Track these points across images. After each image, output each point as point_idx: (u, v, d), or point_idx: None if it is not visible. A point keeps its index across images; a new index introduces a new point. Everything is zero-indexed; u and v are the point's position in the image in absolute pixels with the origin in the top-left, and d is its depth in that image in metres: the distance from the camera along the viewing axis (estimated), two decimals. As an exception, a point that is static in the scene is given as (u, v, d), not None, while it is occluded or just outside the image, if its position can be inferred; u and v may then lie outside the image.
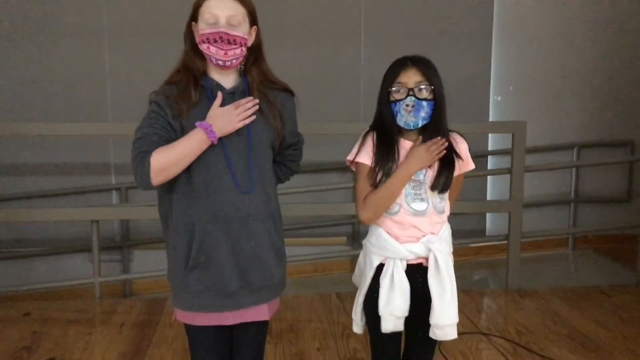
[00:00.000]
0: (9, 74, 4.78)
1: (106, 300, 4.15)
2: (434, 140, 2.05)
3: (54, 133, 4.32)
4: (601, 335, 3.47)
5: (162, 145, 1.90)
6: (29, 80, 4.80)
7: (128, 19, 4.87)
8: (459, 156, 2.13)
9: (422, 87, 2.03)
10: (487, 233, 5.55)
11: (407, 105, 2.02)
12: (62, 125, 4.18)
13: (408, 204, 2.08)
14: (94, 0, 4.82)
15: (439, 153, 2.06)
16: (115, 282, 4.88)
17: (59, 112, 4.79)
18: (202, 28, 1.94)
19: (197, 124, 1.90)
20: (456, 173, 2.13)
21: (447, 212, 2.16)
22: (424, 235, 2.09)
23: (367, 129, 2.16)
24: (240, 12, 1.95)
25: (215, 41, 1.92)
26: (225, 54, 1.93)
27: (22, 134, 4.33)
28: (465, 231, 5.25)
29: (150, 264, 4.69)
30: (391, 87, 2.05)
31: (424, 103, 2.03)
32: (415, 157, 2.05)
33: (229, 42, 1.92)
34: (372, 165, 2.08)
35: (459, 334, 2.11)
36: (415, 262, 2.10)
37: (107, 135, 4.83)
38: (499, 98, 5.54)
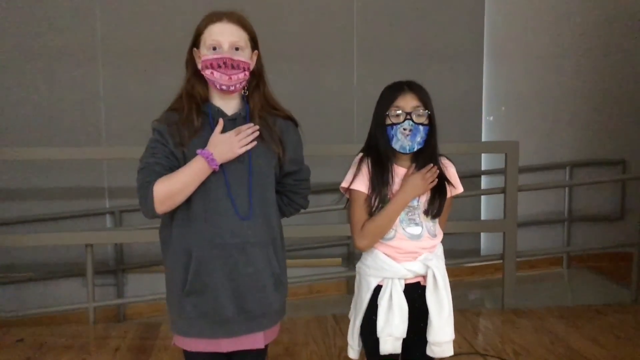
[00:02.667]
0: (2, 98, 4.78)
1: (100, 325, 4.12)
2: (428, 167, 2.08)
3: (47, 157, 4.32)
4: (597, 354, 3.46)
5: (164, 174, 1.92)
6: (23, 103, 4.80)
7: (122, 42, 4.89)
8: (449, 181, 2.16)
9: (419, 112, 2.05)
10: (482, 253, 5.55)
11: (404, 129, 2.04)
12: (55, 149, 4.19)
13: (403, 229, 2.10)
14: (88, 23, 4.84)
15: (433, 181, 2.08)
16: (110, 307, 4.84)
17: (52, 135, 4.79)
18: (205, 54, 1.95)
19: (198, 152, 1.91)
20: (447, 197, 2.15)
21: (440, 236, 2.19)
22: (420, 254, 2.10)
23: (360, 154, 2.17)
24: (242, 37, 1.98)
25: (219, 66, 1.93)
26: (229, 78, 1.95)
27: (14, 158, 4.33)
28: (460, 251, 5.26)
29: (144, 288, 4.66)
30: (388, 110, 2.07)
31: (421, 127, 2.06)
32: (411, 185, 2.07)
33: (233, 67, 1.94)
34: (368, 193, 2.09)
35: (456, 354, 2.11)
36: (413, 281, 2.11)
37: (101, 159, 4.83)
38: (491, 118, 5.57)
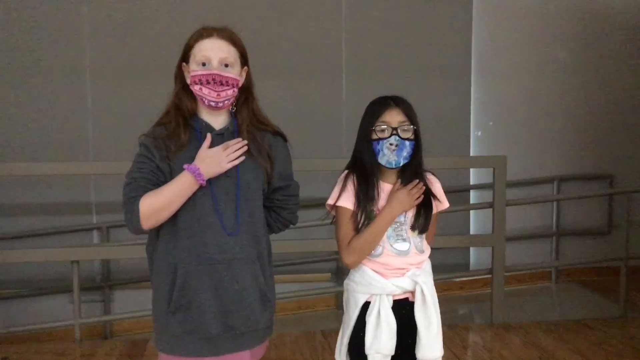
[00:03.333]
0: (-12, 114, 4.76)
1: (87, 342, 4.07)
2: (414, 183, 2.08)
3: (34, 173, 4.29)
4: (587, 369, 3.46)
5: (150, 189, 1.90)
6: (9, 118, 4.77)
7: (110, 57, 4.88)
8: (435, 196, 2.16)
9: (405, 127, 2.06)
10: (471, 267, 5.55)
11: (390, 144, 2.05)
12: (42, 164, 4.15)
13: (391, 245, 2.10)
14: (76, 38, 4.83)
15: (419, 197, 2.08)
16: (96, 324, 4.79)
17: (39, 150, 4.75)
18: (194, 69, 1.94)
19: (185, 166, 1.89)
20: (433, 212, 2.16)
21: (427, 251, 2.19)
22: (408, 270, 2.10)
23: (346, 171, 2.17)
24: (232, 53, 1.97)
25: (208, 82, 1.92)
26: (218, 95, 1.94)
27: (2, 173, 4.29)
28: (449, 265, 5.25)
29: (131, 305, 4.61)
30: (374, 125, 2.07)
31: (407, 143, 2.06)
32: (398, 201, 2.07)
33: (222, 84, 1.93)
34: (354, 209, 2.09)
35: (445, 370, 2.10)
36: (401, 297, 2.10)
37: (89, 174, 4.80)
38: (480, 133, 5.60)
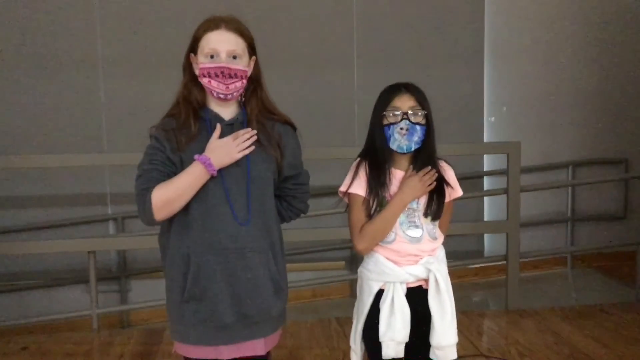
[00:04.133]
0: (2, 105, 4.79)
1: (104, 331, 4.12)
2: (425, 170, 2.08)
3: (49, 165, 4.32)
4: (602, 354, 3.45)
5: (162, 180, 1.91)
6: (24, 112, 4.80)
7: (123, 50, 4.89)
8: (448, 184, 2.16)
9: (416, 112, 2.06)
10: (486, 254, 5.53)
11: (401, 129, 2.05)
12: (57, 156, 4.18)
13: (403, 232, 2.11)
14: (88, 32, 4.84)
15: (431, 183, 2.08)
16: (113, 313, 4.84)
17: (54, 143, 4.78)
18: (203, 62, 1.95)
19: (196, 157, 1.90)
20: (446, 200, 2.16)
21: (441, 239, 2.19)
22: (422, 257, 2.10)
23: (358, 158, 2.17)
24: (240, 45, 1.97)
25: (217, 75, 1.93)
26: (227, 87, 1.94)
27: (17, 166, 4.34)
28: (463, 252, 5.24)
29: (148, 294, 4.65)
30: (385, 110, 2.08)
31: (418, 127, 2.06)
32: (410, 187, 2.08)
33: (230, 76, 1.93)
34: (366, 196, 2.09)
35: (460, 356, 2.11)
36: (414, 284, 2.11)
37: (103, 166, 4.83)
38: (493, 119, 5.56)
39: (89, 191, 4.94)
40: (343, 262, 5.30)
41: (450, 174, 2.21)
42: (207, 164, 1.89)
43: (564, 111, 5.66)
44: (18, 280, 4.88)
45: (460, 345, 2.09)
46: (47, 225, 4.86)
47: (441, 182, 2.15)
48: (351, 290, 5.17)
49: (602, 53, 5.64)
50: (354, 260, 5.17)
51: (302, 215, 2.22)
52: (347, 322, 3.98)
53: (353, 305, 2.26)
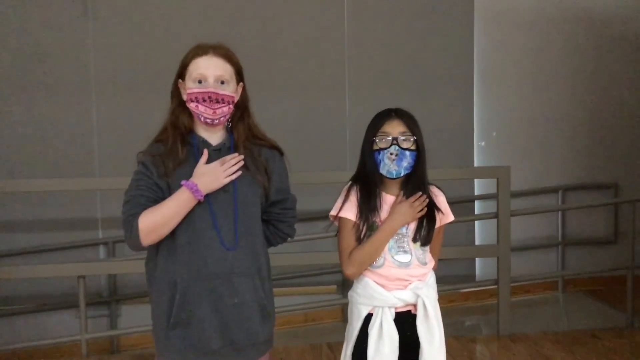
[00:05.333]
0: (-6, 130, 4.79)
1: (93, 357, 4.08)
2: (416, 195, 2.10)
3: (40, 189, 4.31)
4: (594, 379, 3.44)
5: (149, 206, 1.92)
6: (15, 135, 4.80)
7: (115, 73, 4.91)
8: (439, 209, 2.17)
9: (406, 137, 2.08)
10: (477, 278, 5.53)
11: (390, 154, 2.07)
12: (48, 181, 4.18)
13: (392, 257, 2.11)
14: (81, 55, 4.87)
15: (422, 209, 2.10)
16: (103, 338, 4.79)
17: (45, 167, 4.78)
18: (190, 87, 1.97)
19: (183, 183, 1.91)
20: (437, 225, 2.17)
21: (431, 264, 2.19)
22: (411, 282, 2.11)
23: (349, 182, 2.19)
24: (228, 71, 1.99)
25: (204, 100, 1.95)
26: (214, 112, 1.96)
27: (8, 190, 4.32)
28: (454, 276, 5.24)
29: (138, 319, 4.61)
30: (375, 136, 2.10)
31: (407, 153, 2.08)
32: (400, 213, 2.09)
33: (217, 101, 1.95)
34: (356, 220, 2.10)
35: (451, 382, 2.10)
36: (403, 309, 2.11)
37: (94, 190, 4.82)
38: (483, 143, 5.60)
39: (80, 215, 4.93)
40: (335, 286, 5.28)
41: (441, 199, 2.22)
42: (194, 190, 1.90)
43: (554, 136, 5.70)
44: (7, 305, 4.83)
45: (451, 371, 2.09)
46: (37, 250, 4.84)
47: (432, 207, 2.16)
48: (343, 315, 5.15)
49: (592, 78, 5.70)
50: (346, 285, 5.15)
51: (288, 239, 2.22)
52: (338, 348, 3.94)
53: (344, 330, 2.25)
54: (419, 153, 2.12)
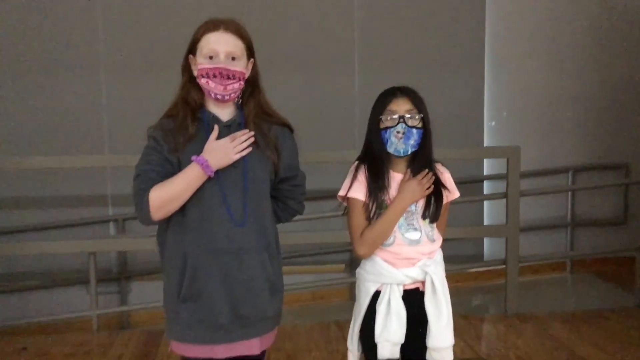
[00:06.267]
0: (5, 107, 4.80)
1: (104, 332, 4.12)
2: (423, 173, 2.10)
3: (51, 166, 4.34)
4: (600, 359, 3.45)
5: (160, 181, 1.92)
6: (25, 114, 4.82)
7: (125, 52, 4.91)
8: (444, 186, 2.17)
9: (412, 115, 2.07)
10: (485, 258, 5.54)
11: (397, 132, 2.07)
12: (59, 158, 4.20)
13: (402, 234, 2.12)
14: (90, 33, 4.86)
15: (429, 186, 2.10)
16: (113, 314, 4.84)
17: (55, 144, 4.80)
18: (201, 62, 1.96)
19: (193, 158, 1.91)
20: (443, 202, 2.17)
21: (439, 241, 2.20)
22: (419, 260, 2.11)
23: (356, 162, 2.19)
24: (239, 46, 1.98)
25: (215, 76, 1.94)
26: (225, 88, 1.96)
27: (19, 167, 4.34)
28: (463, 256, 5.25)
29: (148, 296, 4.66)
30: (382, 114, 2.09)
31: (414, 131, 2.08)
32: (409, 191, 2.09)
33: (228, 77, 1.95)
34: (366, 200, 2.10)
35: (458, 360, 2.11)
36: (411, 287, 2.12)
37: (104, 167, 4.84)
38: (493, 123, 5.57)
39: (90, 192, 4.96)
40: (343, 265, 5.30)
41: (446, 176, 2.22)
42: (205, 166, 1.90)
43: (564, 116, 5.67)
44: (19, 281, 4.89)
45: (459, 349, 2.11)
46: (48, 226, 4.88)
47: (438, 184, 2.16)
48: (351, 293, 5.17)
49: (603, 58, 5.65)
50: (354, 263, 5.16)
51: (297, 215, 2.23)
52: (346, 326, 3.95)
53: (352, 309, 2.27)
54: (426, 130, 2.11)
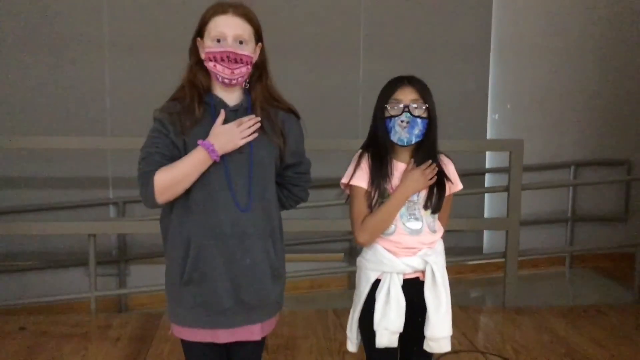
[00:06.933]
0: (7, 87, 4.79)
1: (102, 314, 4.13)
2: (427, 164, 2.09)
3: (52, 146, 4.33)
4: (598, 354, 3.46)
5: (165, 164, 1.92)
6: (27, 93, 4.81)
7: (128, 33, 4.89)
8: (448, 178, 2.17)
9: (418, 104, 2.07)
10: (484, 250, 5.54)
11: (402, 122, 2.06)
12: (60, 138, 4.19)
13: (403, 224, 2.12)
14: (94, 15, 4.84)
15: (432, 177, 2.09)
16: (112, 297, 4.86)
17: (57, 125, 4.79)
18: (209, 45, 1.95)
19: (199, 142, 1.91)
20: (446, 194, 2.17)
21: (440, 232, 2.20)
22: (420, 249, 2.11)
23: (360, 150, 2.18)
24: (247, 30, 1.97)
25: (222, 60, 1.93)
26: (232, 72, 1.95)
27: (20, 147, 4.34)
28: (462, 248, 5.25)
29: (146, 279, 4.67)
30: (387, 103, 2.09)
31: (419, 120, 2.07)
32: (411, 180, 2.09)
33: (236, 61, 1.94)
34: (368, 188, 2.10)
35: (455, 351, 2.12)
36: (411, 276, 2.13)
37: (106, 149, 4.83)
38: (497, 116, 5.56)
39: (91, 174, 4.95)
40: (342, 254, 5.31)
41: (450, 168, 2.22)
42: (210, 150, 1.90)
43: (568, 111, 5.65)
44: (18, 261, 4.89)
45: (456, 340, 2.11)
46: (49, 207, 4.87)
47: (441, 176, 2.15)
48: (349, 282, 5.19)
49: (609, 53, 5.62)
50: (353, 252, 5.18)
51: (301, 203, 2.23)
52: (344, 314, 3.97)
53: (351, 297, 2.27)
54: (431, 121, 2.10)
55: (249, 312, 2.01)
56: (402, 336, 2.11)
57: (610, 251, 5.50)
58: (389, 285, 2.09)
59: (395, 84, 2.10)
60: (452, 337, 2.16)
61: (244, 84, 2.04)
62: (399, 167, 2.14)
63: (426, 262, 2.10)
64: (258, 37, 2.03)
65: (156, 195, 1.90)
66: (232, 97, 2.03)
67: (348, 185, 2.18)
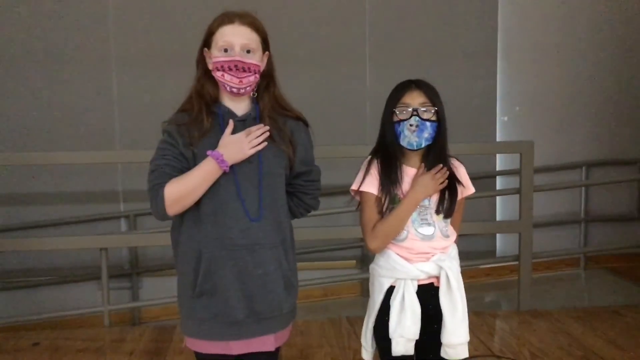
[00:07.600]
0: (16, 102, 4.81)
1: (115, 328, 4.13)
2: (437, 167, 2.08)
3: (62, 162, 4.35)
4: (615, 356, 3.42)
5: (175, 176, 1.92)
6: (37, 108, 4.83)
7: (135, 46, 4.91)
8: (459, 182, 2.15)
9: (426, 108, 2.05)
10: (498, 254, 5.50)
11: (410, 125, 2.05)
12: (70, 154, 4.21)
13: (415, 229, 2.10)
14: (101, 27, 4.86)
15: (443, 181, 2.07)
16: (125, 310, 4.85)
17: (66, 140, 4.81)
18: (216, 55, 1.95)
19: (209, 153, 1.90)
20: (458, 198, 2.15)
21: (453, 237, 2.18)
22: (433, 255, 2.09)
23: (369, 156, 2.17)
24: (254, 39, 1.97)
25: (230, 69, 1.93)
26: (240, 81, 1.94)
27: (30, 163, 4.35)
28: (475, 252, 5.21)
29: (159, 291, 4.66)
30: (395, 107, 2.07)
31: (428, 124, 2.06)
32: (422, 185, 2.07)
33: (244, 70, 1.94)
34: (378, 194, 2.09)
35: (471, 357, 2.10)
36: (426, 282, 2.10)
37: (116, 163, 4.84)
38: (506, 118, 5.53)
39: (102, 188, 4.97)
40: (354, 261, 5.28)
41: (461, 172, 2.20)
42: (220, 160, 1.89)
43: (578, 111, 5.62)
44: (30, 277, 4.91)
45: (472, 346, 2.08)
46: (60, 222, 4.89)
47: (453, 179, 2.14)
48: (362, 290, 5.17)
49: (618, 52, 5.59)
50: (365, 260, 5.16)
51: (312, 211, 2.21)
52: (357, 322, 3.97)
53: (364, 305, 2.25)
54: (440, 124, 2.09)
55: (262, 323, 2.00)
56: (418, 344, 2.08)
57: (625, 251, 5.45)
58: (403, 292, 2.06)
59: (403, 87, 2.09)
60: (468, 343, 2.14)
61: (251, 93, 2.04)
62: (409, 172, 2.12)
63: (440, 268, 2.08)
64: (265, 46, 2.02)
65: (167, 208, 1.90)
66: (240, 107, 2.02)
67: (358, 192, 2.16)
